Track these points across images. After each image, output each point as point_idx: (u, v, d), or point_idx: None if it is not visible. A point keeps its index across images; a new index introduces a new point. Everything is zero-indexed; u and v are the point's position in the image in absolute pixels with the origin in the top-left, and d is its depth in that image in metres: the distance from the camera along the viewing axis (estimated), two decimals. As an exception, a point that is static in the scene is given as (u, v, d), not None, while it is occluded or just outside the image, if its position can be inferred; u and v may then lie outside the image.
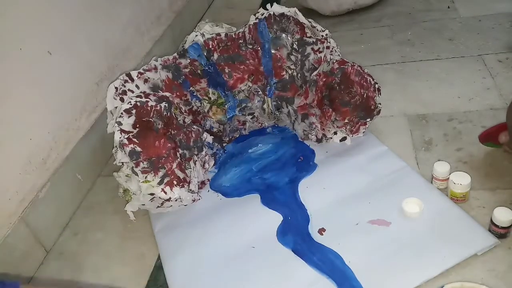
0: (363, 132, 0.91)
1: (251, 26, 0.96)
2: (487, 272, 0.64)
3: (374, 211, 0.76)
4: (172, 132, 0.84)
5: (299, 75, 0.95)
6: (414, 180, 0.80)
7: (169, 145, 0.81)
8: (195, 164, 0.87)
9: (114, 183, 0.90)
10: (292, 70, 0.96)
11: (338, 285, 0.66)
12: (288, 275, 0.69)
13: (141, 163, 0.78)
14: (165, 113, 0.83)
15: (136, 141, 0.78)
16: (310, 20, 0.95)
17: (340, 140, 0.92)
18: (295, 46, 0.94)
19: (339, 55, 0.95)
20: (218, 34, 0.96)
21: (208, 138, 0.94)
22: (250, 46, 0.97)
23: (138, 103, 0.80)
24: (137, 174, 0.78)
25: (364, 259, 0.68)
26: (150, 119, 0.80)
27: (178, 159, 0.82)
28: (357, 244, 0.71)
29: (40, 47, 0.87)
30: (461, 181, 0.73)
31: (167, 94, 0.90)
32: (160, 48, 1.31)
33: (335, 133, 0.92)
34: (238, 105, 1.01)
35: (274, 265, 0.71)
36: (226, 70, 0.98)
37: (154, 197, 0.80)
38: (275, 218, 0.79)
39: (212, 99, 1.00)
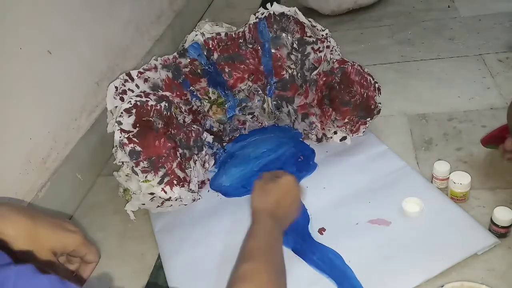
0: (363, 132, 0.91)
1: (251, 26, 0.96)
2: (487, 272, 0.64)
3: (374, 211, 0.76)
4: (172, 131, 0.84)
5: (299, 74, 0.95)
6: (414, 180, 0.80)
7: (169, 144, 0.81)
8: (195, 163, 0.87)
9: (114, 183, 0.90)
10: (292, 70, 0.96)
11: (338, 284, 0.66)
12: (288, 274, 0.69)
13: (141, 162, 0.78)
14: (165, 112, 0.83)
15: (136, 140, 0.78)
16: (310, 19, 0.95)
17: (340, 140, 0.92)
18: (295, 45, 0.94)
19: (339, 54, 0.94)
20: (218, 34, 0.96)
21: (208, 138, 0.94)
22: (250, 46, 0.97)
23: (138, 103, 0.80)
24: (137, 174, 0.78)
25: (364, 258, 0.68)
26: (150, 118, 0.80)
27: (178, 159, 0.82)
28: (357, 243, 0.71)
29: (40, 47, 0.87)
30: (461, 180, 0.73)
31: (167, 93, 0.90)
32: (160, 48, 1.31)
33: (335, 132, 0.92)
34: (238, 105, 1.01)
35: (274, 265, 0.71)
36: (226, 70, 0.98)
37: (154, 197, 0.80)
38: (275, 218, 0.79)
39: (212, 98, 1.00)
